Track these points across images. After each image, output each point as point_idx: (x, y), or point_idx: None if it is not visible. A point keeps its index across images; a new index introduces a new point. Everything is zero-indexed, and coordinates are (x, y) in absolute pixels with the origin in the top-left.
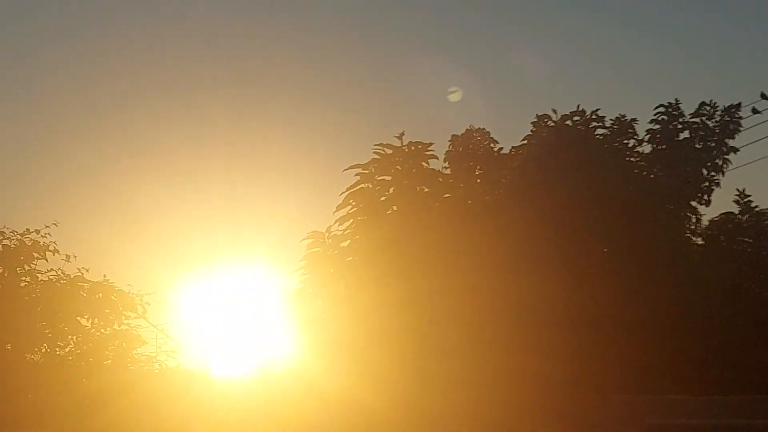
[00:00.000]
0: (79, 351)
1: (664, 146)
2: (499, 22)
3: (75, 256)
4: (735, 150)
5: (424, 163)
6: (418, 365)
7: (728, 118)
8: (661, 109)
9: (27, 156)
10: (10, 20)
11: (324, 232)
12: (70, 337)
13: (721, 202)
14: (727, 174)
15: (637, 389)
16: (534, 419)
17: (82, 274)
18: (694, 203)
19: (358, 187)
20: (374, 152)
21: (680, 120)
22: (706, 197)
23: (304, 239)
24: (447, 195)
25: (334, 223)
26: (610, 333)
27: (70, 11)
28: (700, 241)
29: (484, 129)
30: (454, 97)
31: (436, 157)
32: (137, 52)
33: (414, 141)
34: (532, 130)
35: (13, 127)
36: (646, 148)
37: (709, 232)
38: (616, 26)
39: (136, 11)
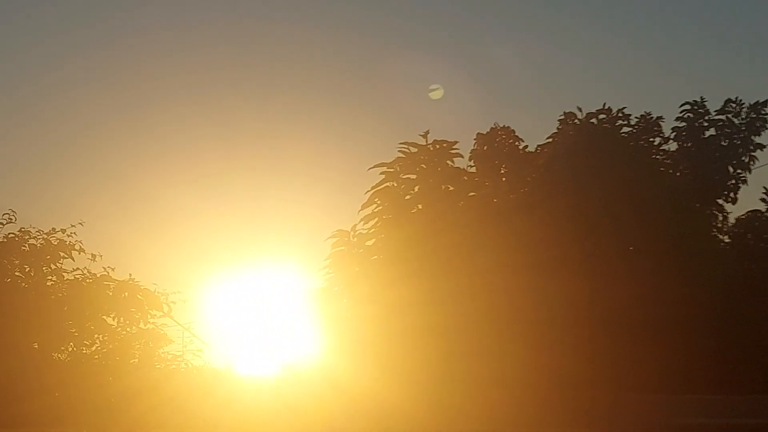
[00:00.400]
0: (105, 350)
1: (689, 144)
2: (522, 18)
3: (101, 255)
4: (761, 147)
5: (449, 162)
6: (443, 364)
7: (754, 115)
8: (687, 107)
9: (53, 156)
10: (38, 24)
11: (349, 231)
12: (96, 335)
13: (747, 200)
14: (753, 171)
15: (661, 389)
16: (557, 418)
17: (108, 273)
18: (720, 201)
19: (383, 186)
20: (399, 151)
21: (706, 117)
22: (732, 195)
23: (329, 238)
24: (472, 193)
25: (359, 222)
26: (636, 332)
27: (94, 14)
28: (726, 239)
29: (509, 127)
30: (436, 95)
31: (461, 156)
32: (164, 54)
33: (439, 139)
34: (558, 128)
35: (41, 128)
36: (672, 146)
37: (736, 230)
38: (640, 23)
39: (163, 13)
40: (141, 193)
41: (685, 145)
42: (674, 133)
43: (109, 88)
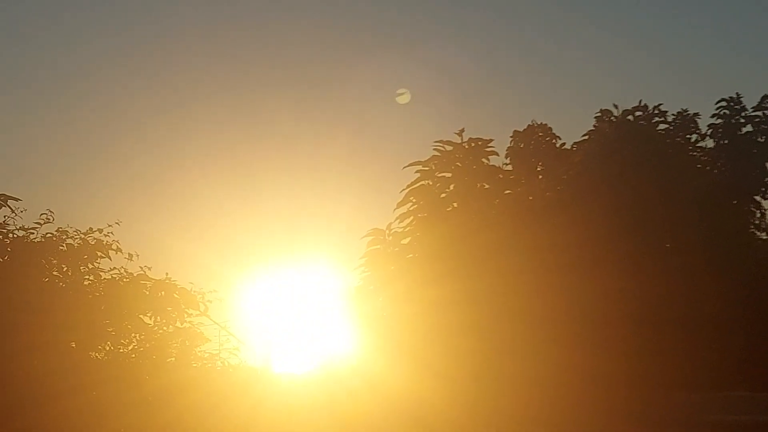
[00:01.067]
0: (142, 349)
1: (726, 141)
2: (560, 15)
3: (137, 255)
4: None
5: (484, 160)
6: (478, 362)
7: None
8: (723, 104)
9: (91, 157)
10: (79, 27)
11: (384, 229)
12: (133, 334)
13: None
14: None
15: (693, 386)
16: (597, 417)
17: (145, 272)
18: (757, 197)
19: (418, 184)
20: (434, 149)
21: (742, 114)
22: None
23: (364, 236)
24: (508, 191)
25: (395, 221)
26: (669, 330)
27: (132, 18)
28: (764, 235)
29: (545, 124)
30: (402, 99)
31: (497, 154)
32: (200, 56)
33: (474, 137)
34: (594, 125)
35: (79, 130)
36: (709, 143)
37: None
38: (678, 20)
39: (200, 17)
40: (178, 192)
41: (721, 141)
42: (711, 130)
43: (147, 89)
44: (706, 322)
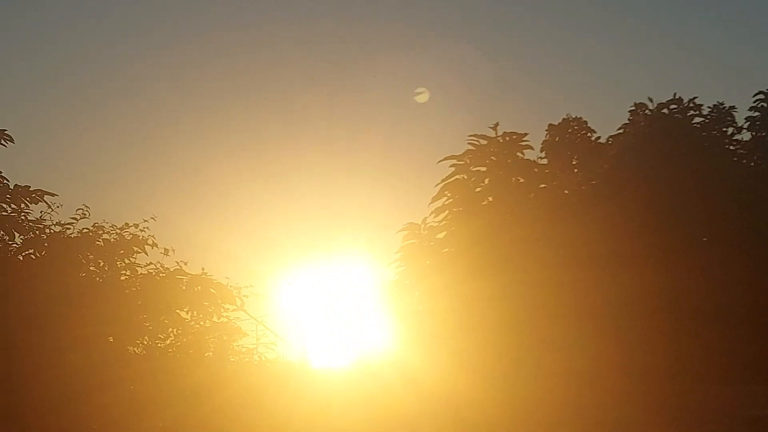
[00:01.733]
0: (179, 343)
1: (763, 133)
2: (590, 9)
3: (173, 250)
4: None
5: (519, 154)
6: (516, 357)
7: None
8: (761, 96)
9: (126, 152)
10: (112, 21)
11: (420, 223)
12: (170, 329)
13: None
14: None
15: (731, 380)
16: (633, 411)
17: (181, 267)
18: None
19: (453, 179)
20: (469, 143)
21: None
22: None
23: (399, 231)
24: (543, 185)
25: (430, 215)
26: (711, 324)
27: (167, 15)
28: None
29: (580, 118)
30: (421, 98)
31: (531, 148)
32: (235, 53)
33: (509, 131)
34: (629, 119)
35: (114, 124)
36: (746, 136)
37: None
38: (713, 13)
39: (233, 12)
40: (213, 187)
41: (758, 134)
42: (748, 123)
43: (184, 83)
44: (743, 315)
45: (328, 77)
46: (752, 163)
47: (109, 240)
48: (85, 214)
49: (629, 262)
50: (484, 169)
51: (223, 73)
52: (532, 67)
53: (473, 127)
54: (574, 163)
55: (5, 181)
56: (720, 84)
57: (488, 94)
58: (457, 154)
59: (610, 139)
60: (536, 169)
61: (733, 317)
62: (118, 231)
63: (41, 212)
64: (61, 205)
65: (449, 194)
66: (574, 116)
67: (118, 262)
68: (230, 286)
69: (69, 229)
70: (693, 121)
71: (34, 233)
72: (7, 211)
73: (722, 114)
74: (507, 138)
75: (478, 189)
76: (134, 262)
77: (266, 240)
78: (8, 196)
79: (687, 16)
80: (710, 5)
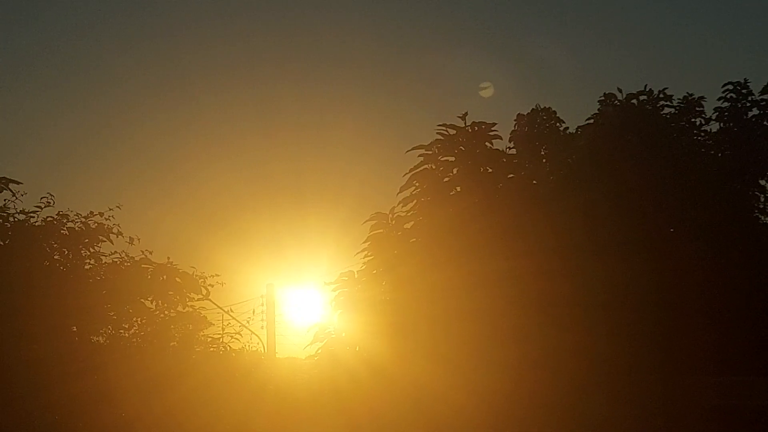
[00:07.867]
0: (143, 333)
1: (732, 125)
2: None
3: (139, 239)
4: None
5: (487, 144)
6: (483, 348)
7: None
8: (730, 87)
9: (91, 140)
10: (81, 9)
11: (387, 213)
12: (134, 319)
13: None
14: None
15: (704, 371)
16: (599, 402)
17: (146, 256)
18: (762, 182)
19: (421, 168)
20: (437, 133)
21: (749, 98)
22: None
23: (367, 221)
24: (511, 175)
25: (398, 205)
26: (676, 315)
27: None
28: None
29: (550, 108)
30: (486, 93)
31: (500, 137)
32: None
33: (477, 121)
34: (598, 110)
35: (79, 113)
36: (714, 127)
37: None
38: (682, 3)
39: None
40: (179, 177)
41: (727, 125)
42: (716, 114)
43: (148, 72)
44: (710, 307)
45: (298, 68)
46: (720, 154)
47: (74, 228)
48: (49, 203)
49: (597, 252)
50: (452, 158)
51: (191, 62)
52: (502, 57)
53: (441, 117)
54: (542, 153)
55: None
56: (690, 75)
57: (454, 86)
58: (426, 143)
59: (579, 130)
60: (505, 159)
61: (700, 308)
62: (83, 219)
63: (5, 200)
64: (26, 194)
65: (417, 184)
66: (543, 106)
67: (82, 251)
68: (196, 276)
69: (33, 217)
70: (663, 112)
71: None
72: None
73: (691, 105)
74: (476, 128)
75: (447, 179)
76: (99, 251)
77: (233, 228)
78: None
79: (656, 7)
80: None
